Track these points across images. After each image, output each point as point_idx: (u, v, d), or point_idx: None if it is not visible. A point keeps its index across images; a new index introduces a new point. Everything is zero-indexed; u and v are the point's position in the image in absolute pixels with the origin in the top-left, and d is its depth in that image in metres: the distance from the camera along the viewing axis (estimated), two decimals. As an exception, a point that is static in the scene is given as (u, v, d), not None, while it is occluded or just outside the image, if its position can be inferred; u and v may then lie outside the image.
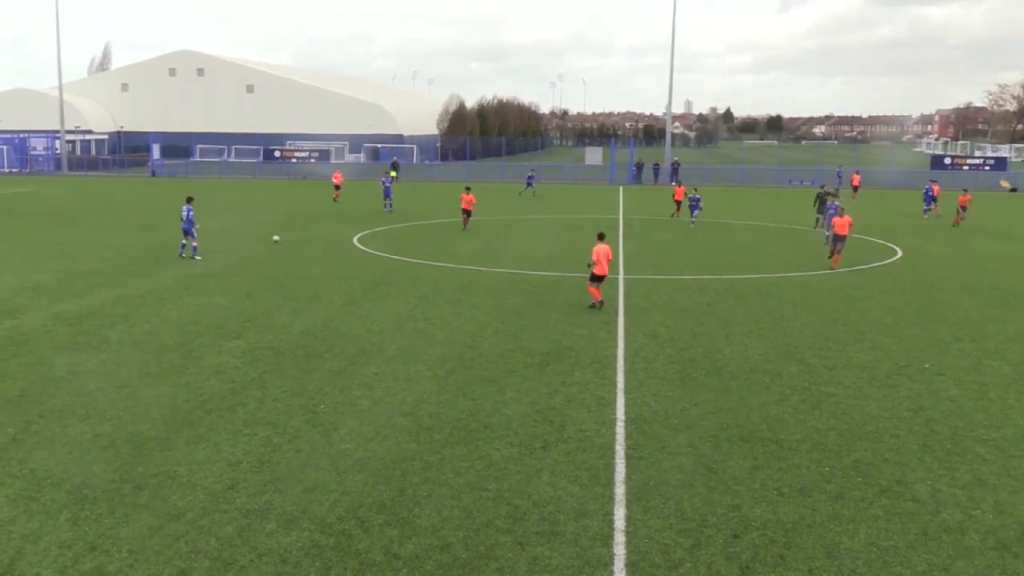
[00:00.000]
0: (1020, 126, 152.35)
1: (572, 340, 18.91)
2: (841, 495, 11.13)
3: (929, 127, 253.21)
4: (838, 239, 28.49)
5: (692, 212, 42.08)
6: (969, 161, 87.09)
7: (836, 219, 28.81)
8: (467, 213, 38.92)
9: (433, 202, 54.48)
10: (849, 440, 13.08)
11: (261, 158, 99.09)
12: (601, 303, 21.94)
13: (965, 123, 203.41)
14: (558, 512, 10.48)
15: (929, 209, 47.30)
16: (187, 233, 29.83)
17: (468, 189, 40.33)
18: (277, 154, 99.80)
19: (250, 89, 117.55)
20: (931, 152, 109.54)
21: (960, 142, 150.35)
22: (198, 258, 29.31)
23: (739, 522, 10.30)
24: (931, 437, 13.25)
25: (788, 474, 11.77)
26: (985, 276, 27.81)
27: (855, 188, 59.95)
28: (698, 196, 42.33)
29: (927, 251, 33.62)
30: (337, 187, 54.14)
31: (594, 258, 21.91)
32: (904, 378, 16.37)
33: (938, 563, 9.45)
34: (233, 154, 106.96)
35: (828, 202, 35.55)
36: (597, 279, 21.93)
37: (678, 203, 46.22)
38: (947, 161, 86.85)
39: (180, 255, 29.96)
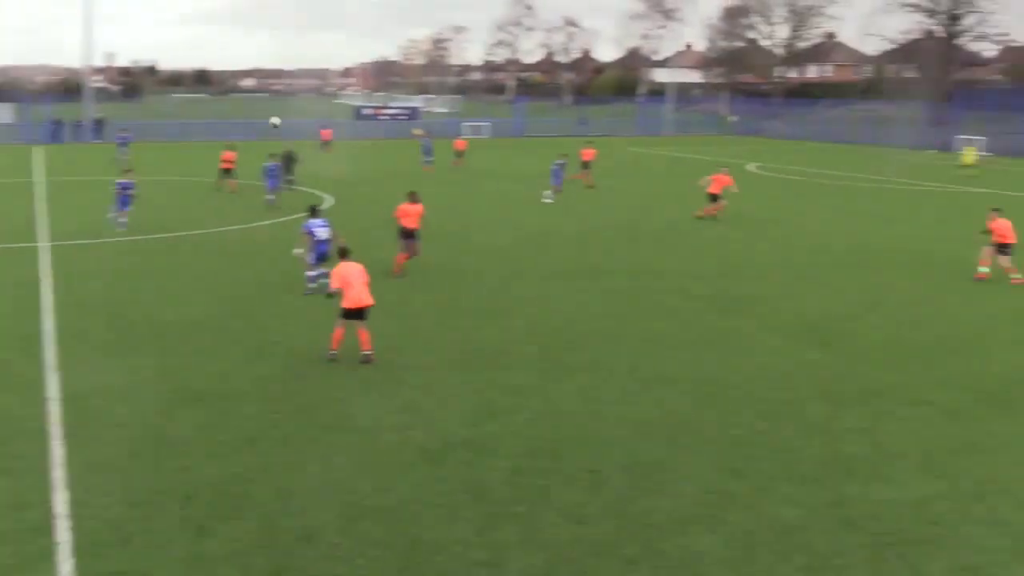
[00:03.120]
0: (429, 79, 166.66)
1: (-9, 319, 17.05)
2: (288, 439, 11.51)
3: (351, 79, 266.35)
4: None
5: (121, 205, 27.06)
6: (387, 111, 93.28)
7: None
8: None
9: None
10: (293, 384, 13.53)
11: None
12: None
13: (382, 75, 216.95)
14: (-12, 510, 9.49)
15: (430, 161, 47.40)
16: None
17: None
18: None
19: None
20: (352, 103, 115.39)
21: (379, 94, 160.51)
22: None
23: (191, 484, 10.18)
24: (372, 371, 14.17)
25: (238, 427, 11.87)
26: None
27: (326, 143, 58.57)
28: (128, 182, 27.36)
29: (357, 196, 35.46)
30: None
31: None
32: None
33: (381, 483, 10.23)
34: None
35: (269, 163, 33.86)
36: None
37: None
38: (367, 111, 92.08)
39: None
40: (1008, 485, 10.47)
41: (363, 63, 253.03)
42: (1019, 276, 21.19)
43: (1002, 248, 21.46)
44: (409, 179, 38.28)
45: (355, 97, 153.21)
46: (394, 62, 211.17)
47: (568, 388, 13.61)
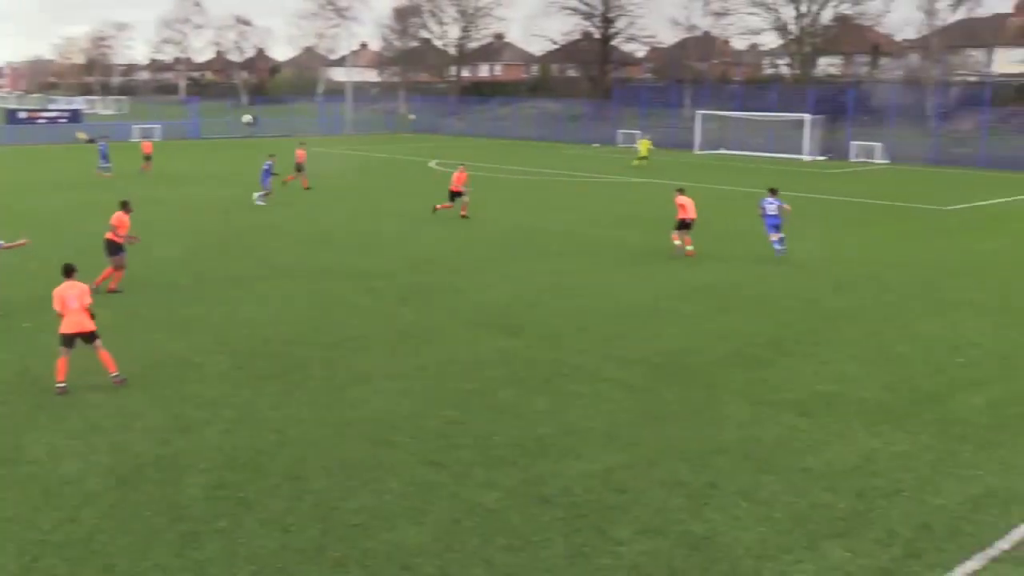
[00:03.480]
0: (91, 79, 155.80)
1: None
2: (-48, 478, 10.40)
3: (0, 81, 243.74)
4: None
5: None
6: (45, 114, 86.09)
7: None
8: None
9: None
10: (-46, 418, 12.24)
11: None
12: None
13: (37, 76, 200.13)
14: None
15: (108, 167, 42.94)
16: None
17: None
18: None
19: None
20: (4, 106, 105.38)
21: (35, 95, 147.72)
22: None
23: None
24: (44, 395, 13.07)
25: None
26: None
27: None
28: None
29: (19, 209, 32.55)
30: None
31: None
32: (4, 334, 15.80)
33: (65, 515, 9.50)
34: None
35: None
36: None
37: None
38: (23, 115, 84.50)
39: None
40: (682, 449, 11.48)
41: (13, 63, 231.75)
42: (692, 248, 23.93)
43: (684, 223, 23.87)
44: (87, 188, 35.76)
45: (7, 99, 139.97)
46: (50, 61, 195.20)
47: (263, 395, 13.29)
